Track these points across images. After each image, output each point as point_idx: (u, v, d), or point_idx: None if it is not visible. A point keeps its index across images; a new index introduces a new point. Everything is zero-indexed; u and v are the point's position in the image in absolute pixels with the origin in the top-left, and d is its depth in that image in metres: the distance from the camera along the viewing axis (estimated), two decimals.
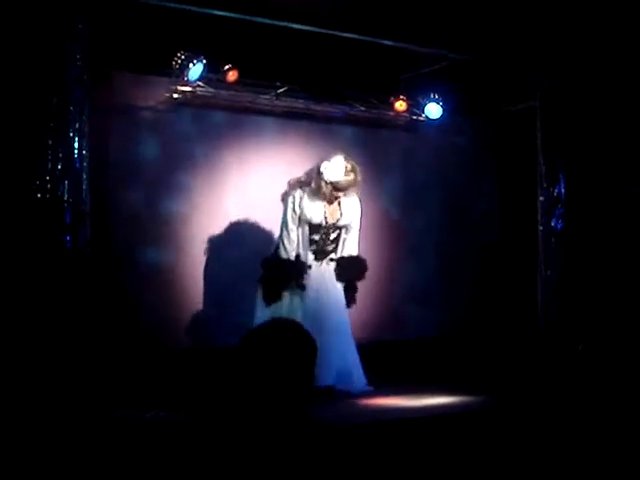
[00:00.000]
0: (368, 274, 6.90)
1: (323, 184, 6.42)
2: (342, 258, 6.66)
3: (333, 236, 6.58)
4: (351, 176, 6.44)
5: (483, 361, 7.81)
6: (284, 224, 6.52)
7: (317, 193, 6.47)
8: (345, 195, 6.54)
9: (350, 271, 6.69)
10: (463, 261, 8.79)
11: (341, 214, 6.57)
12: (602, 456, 4.85)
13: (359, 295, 6.90)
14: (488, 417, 5.41)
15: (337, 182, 6.41)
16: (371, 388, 6.49)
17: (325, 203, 6.51)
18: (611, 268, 7.60)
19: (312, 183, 6.49)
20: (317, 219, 6.49)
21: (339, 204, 6.58)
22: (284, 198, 6.60)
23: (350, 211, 6.62)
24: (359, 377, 6.53)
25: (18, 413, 5.14)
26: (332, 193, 6.44)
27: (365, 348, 6.79)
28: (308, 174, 6.58)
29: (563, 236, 8.01)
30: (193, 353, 7.19)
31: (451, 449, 4.88)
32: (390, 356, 7.56)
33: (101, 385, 5.86)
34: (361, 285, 6.92)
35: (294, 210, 6.47)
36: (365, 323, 7.52)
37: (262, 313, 6.42)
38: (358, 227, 6.74)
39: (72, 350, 5.81)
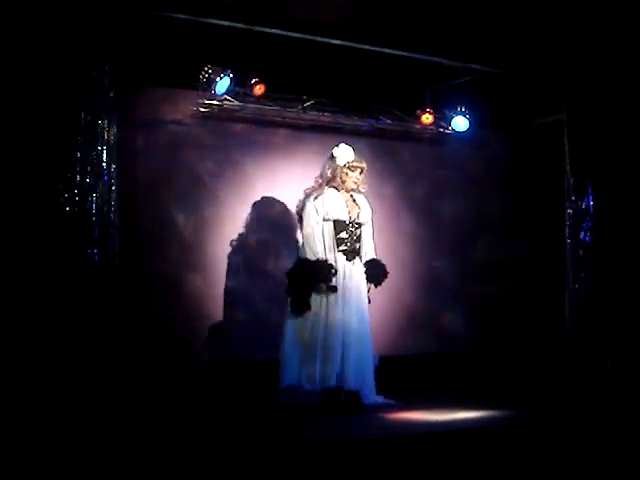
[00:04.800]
0: (394, 286, 6.89)
1: (339, 170, 6.54)
2: (370, 262, 6.61)
3: (358, 233, 6.56)
4: (361, 158, 6.62)
5: (510, 375, 7.77)
6: (307, 227, 6.48)
7: (336, 186, 6.56)
8: (357, 188, 6.61)
9: (377, 275, 6.62)
10: (490, 274, 8.74)
11: (360, 209, 6.60)
12: (628, 470, 4.80)
13: (383, 308, 6.89)
14: (515, 432, 5.36)
15: (351, 161, 6.55)
16: (391, 402, 6.45)
17: (346, 198, 6.57)
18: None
19: (328, 177, 6.57)
20: (342, 215, 6.50)
21: (354, 200, 6.62)
22: (301, 208, 6.61)
23: (366, 211, 6.66)
24: (371, 386, 6.49)
25: (39, 423, 5.19)
26: (350, 178, 6.54)
27: (389, 361, 6.77)
28: (319, 177, 6.66)
29: (591, 249, 7.95)
30: (221, 366, 7.21)
31: (476, 464, 4.85)
32: (417, 369, 7.54)
33: (126, 396, 5.89)
34: (385, 297, 6.91)
35: (317, 211, 6.48)
36: (390, 336, 7.51)
37: (291, 322, 6.42)
38: (371, 226, 6.72)
39: (100, 362, 5.85)
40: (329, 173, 6.58)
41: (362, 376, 6.37)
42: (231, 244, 7.51)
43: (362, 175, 6.62)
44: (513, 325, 8.68)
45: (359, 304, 6.47)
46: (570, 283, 7.97)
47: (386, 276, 6.63)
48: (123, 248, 6.20)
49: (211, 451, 4.72)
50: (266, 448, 4.85)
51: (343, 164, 6.56)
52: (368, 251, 6.65)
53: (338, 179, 6.56)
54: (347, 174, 6.56)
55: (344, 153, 6.58)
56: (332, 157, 6.60)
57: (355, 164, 6.57)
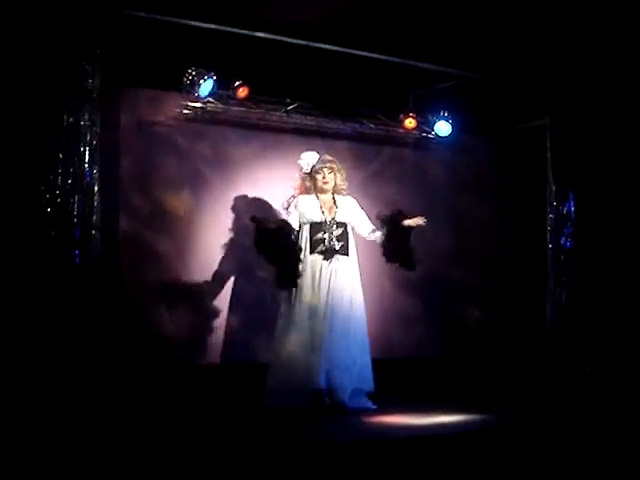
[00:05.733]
0: (376, 292, 6.91)
1: (306, 177, 6.68)
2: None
3: (338, 233, 6.58)
4: (327, 158, 6.70)
5: (491, 380, 7.79)
6: None
7: (308, 191, 6.68)
8: (332, 188, 6.68)
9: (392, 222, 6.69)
10: (471, 279, 8.77)
11: (337, 207, 6.64)
12: (608, 474, 4.83)
13: (373, 313, 6.90)
14: (495, 436, 5.38)
15: (315, 164, 6.66)
16: (375, 406, 6.46)
17: (319, 199, 6.63)
18: (620, 288, 7.59)
19: (299, 186, 6.72)
20: (317, 216, 6.57)
21: (334, 201, 6.69)
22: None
23: (347, 208, 6.70)
24: (366, 383, 6.50)
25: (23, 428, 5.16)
26: (318, 181, 6.63)
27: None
28: (295, 186, 6.79)
29: (572, 254, 7.99)
30: (207, 368, 7.22)
31: (457, 468, 4.86)
32: (398, 374, 7.54)
33: (108, 400, 5.87)
34: (369, 302, 6.90)
35: (288, 210, 6.62)
36: (372, 340, 7.50)
37: (282, 319, 6.50)
38: (361, 222, 6.77)
39: (84, 365, 5.82)
40: (299, 182, 6.73)
41: (349, 377, 6.37)
42: (214, 248, 7.49)
43: (333, 174, 6.68)
44: (494, 328, 8.71)
45: (344, 303, 6.47)
46: (551, 288, 8.01)
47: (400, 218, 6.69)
48: (105, 250, 6.18)
49: (194, 455, 4.71)
50: (244, 452, 4.86)
51: (309, 170, 6.68)
52: (368, 227, 6.78)
53: (307, 185, 6.68)
54: (316, 179, 6.65)
55: (307, 160, 6.72)
56: (300, 168, 6.73)
57: (319, 165, 6.66)
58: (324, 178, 6.63)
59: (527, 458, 5.06)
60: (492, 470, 4.90)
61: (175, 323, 7.25)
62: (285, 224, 6.53)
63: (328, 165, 6.66)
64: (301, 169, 6.71)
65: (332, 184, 6.67)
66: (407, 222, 6.67)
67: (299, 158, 6.74)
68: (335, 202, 6.67)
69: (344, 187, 6.75)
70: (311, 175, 6.67)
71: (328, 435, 5.46)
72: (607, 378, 7.24)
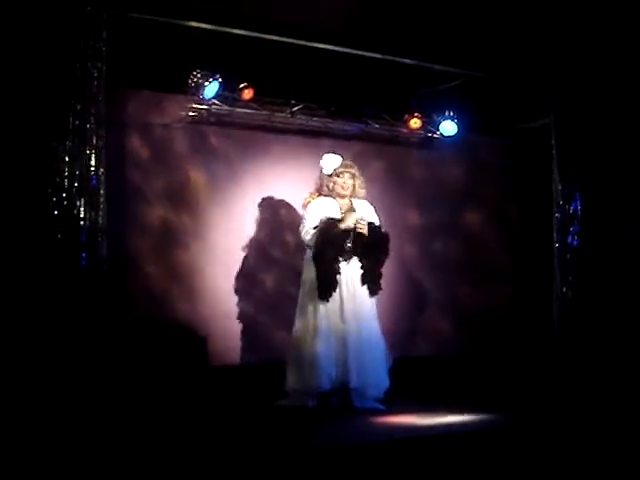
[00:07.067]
0: (385, 290, 6.93)
1: (327, 179, 6.64)
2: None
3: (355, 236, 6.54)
4: (348, 163, 6.69)
5: (498, 380, 7.78)
6: (307, 231, 6.49)
7: (327, 194, 6.64)
8: (350, 193, 6.65)
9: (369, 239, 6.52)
10: (478, 279, 8.76)
11: (355, 210, 6.60)
12: (614, 475, 4.82)
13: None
14: (502, 436, 5.38)
15: (338, 167, 6.62)
16: (383, 407, 6.46)
17: (342, 204, 6.62)
18: (627, 286, 7.58)
19: (318, 187, 6.70)
20: (336, 217, 6.51)
21: (351, 203, 6.67)
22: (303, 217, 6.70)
23: (364, 212, 6.65)
24: (379, 384, 6.51)
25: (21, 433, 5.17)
26: (337, 184, 6.60)
27: None
28: (315, 186, 6.76)
29: (579, 253, 7.98)
30: (213, 370, 7.22)
31: (463, 468, 4.86)
32: (405, 374, 7.54)
33: (118, 402, 5.90)
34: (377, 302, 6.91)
35: (310, 214, 6.55)
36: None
37: (298, 325, 6.47)
38: (378, 221, 6.72)
39: (91, 368, 5.84)
40: (318, 183, 6.71)
41: (363, 375, 6.37)
42: (219, 251, 7.51)
43: (353, 180, 6.65)
44: (501, 328, 8.70)
45: (366, 305, 6.48)
46: (558, 287, 8.00)
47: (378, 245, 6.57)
48: (111, 253, 6.19)
49: (203, 455, 4.73)
50: (252, 451, 4.87)
51: (330, 173, 6.64)
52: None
53: (327, 187, 6.64)
54: (335, 182, 6.62)
55: (329, 162, 6.67)
56: (320, 168, 6.69)
57: (341, 169, 6.63)
58: (344, 183, 6.62)
59: (534, 457, 5.06)
60: (499, 470, 4.89)
61: (184, 321, 7.28)
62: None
63: (350, 170, 6.65)
64: (321, 170, 6.68)
65: (351, 189, 6.65)
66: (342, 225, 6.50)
67: (321, 159, 6.68)
68: (352, 205, 6.67)
69: (362, 193, 6.74)
70: (331, 177, 6.64)
71: (337, 435, 5.47)
72: (614, 377, 7.22)
